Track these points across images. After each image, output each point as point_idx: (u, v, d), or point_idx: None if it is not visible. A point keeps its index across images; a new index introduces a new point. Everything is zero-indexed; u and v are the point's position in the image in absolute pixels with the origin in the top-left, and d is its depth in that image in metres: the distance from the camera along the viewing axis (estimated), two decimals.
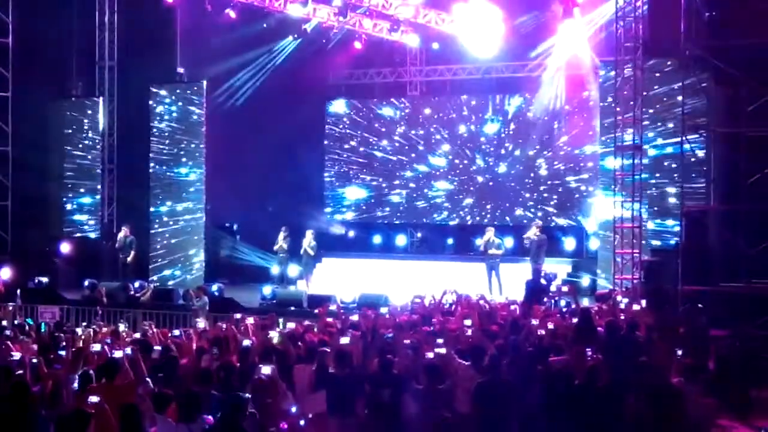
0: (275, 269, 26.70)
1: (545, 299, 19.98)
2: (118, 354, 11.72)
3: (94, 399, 9.46)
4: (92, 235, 29.12)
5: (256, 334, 14.49)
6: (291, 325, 15.25)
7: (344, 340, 12.52)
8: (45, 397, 10.73)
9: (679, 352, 12.56)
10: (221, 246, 29.11)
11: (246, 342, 12.94)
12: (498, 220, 29.00)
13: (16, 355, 12.04)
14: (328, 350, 12.01)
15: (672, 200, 22.42)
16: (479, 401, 10.83)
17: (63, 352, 13.08)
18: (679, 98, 20.69)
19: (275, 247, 26.33)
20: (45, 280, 25.59)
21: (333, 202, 32.52)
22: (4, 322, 18.10)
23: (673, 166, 22.06)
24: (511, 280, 23.38)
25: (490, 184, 30.31)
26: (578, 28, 25.71)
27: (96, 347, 12.86)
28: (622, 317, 15.53)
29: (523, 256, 24.56)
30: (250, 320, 15.18)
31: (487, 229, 25.34)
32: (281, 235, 26.14)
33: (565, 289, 20.42)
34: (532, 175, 29.68)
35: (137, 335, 15.71)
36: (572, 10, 24.32)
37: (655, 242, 22.67)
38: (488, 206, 30.30)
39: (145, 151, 27.62)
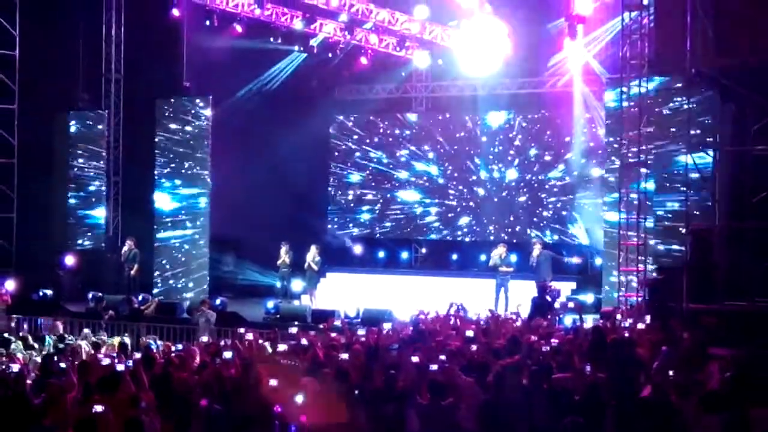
0: (278, 284, 26.69)
1: (549, 315, 19.95)
2: (120, 367, 11.71)
3: (99, 408, 9.44)
4: (97, 248, 29.10)
5: (259, 348, 14.48)
6: (293, 330, 15.23)
7: (344, 356, 12.51)
8: (48, 408, 10.71)
9: (680, 370, 12.53)
10: (225, 260, 29.09)
11: (227, 354, 12.93)
12: (503, 237, 28.90)
13: (15, 368, 12.05)
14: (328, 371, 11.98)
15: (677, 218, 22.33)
16: (484, 420, 10.80)
17: (64, 365, 13.05)
18: (685, 116, 20.70)
19: (278, 262, 26.33)
20: (49, 292, 25.59)
21: (337, 217, 32.50)
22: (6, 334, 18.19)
23: (679, 184, 21.97)
24: (519, 297, 23.25)
25: (495, 200, 30.31)
26: (584, 45, 25.75)
27: (99, 359, 12.87)
28: (626, 335, 15.49)
29: (529, 272, 24.48)
30: (249, 336, 15.13)
31: (499, 245, 25.29)
32: (283, 250, 26.16)
33: (571, 305, 20.38)
34: (535, 191, 29.68)
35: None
36: (576, 29, 24.30)
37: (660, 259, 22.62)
38: (491, 224, 30.28)
39: (150, 164, 27.59)
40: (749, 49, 19.22)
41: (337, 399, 11.16)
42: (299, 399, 10.14)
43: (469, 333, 14.90)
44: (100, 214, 29.17)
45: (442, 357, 12.60)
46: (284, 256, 26.15)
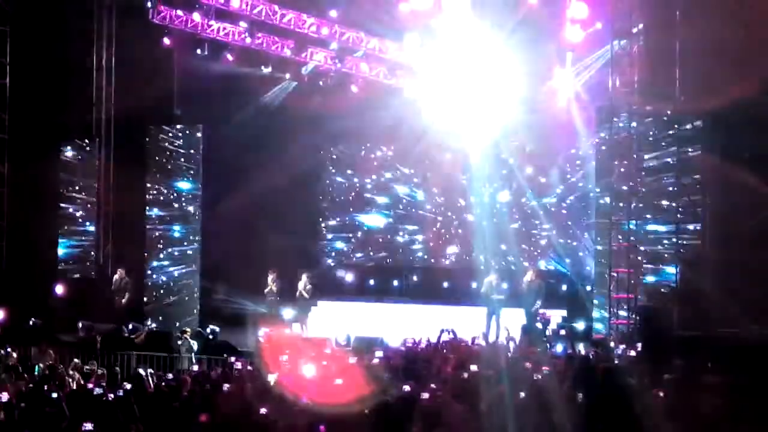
0: (267, 312, 26.57)
1: (539, 343, 19.94)
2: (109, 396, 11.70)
3: (88, 426, 9.47)
4: (87, 277, 29.00)
5: (252, 377, 14.45)
6: (284, 358, 15.26)
7: (338, 381, 12.52)
8: None
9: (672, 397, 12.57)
10: (216, 288, 29.00)
11: (226, 386, 12.95)
12: (493, 265, 28.81)
13: (4, 397, 12.02)
14: None
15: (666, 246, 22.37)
16: None
17: (56, 395, 13.00)
18: (674, 144, 20.78)
19: (265, 290, 26.24)
20: (40, 321, 25.46)
21: (329, 246, 32.46)
22: None
23: (668, 212, 22.04)
24: (510, 325, 23.16)
25: (485, 226, 30.27)
26: (574, 73, 25.85)
27: (89, 389, 12.84)
28: (617, 362, 15.50)
29: (521, 300, 24.42)
30: (237, 364, 15.13)
31: (491, 273, 25.21)
32: (270, 278, 26.07)
33: (563, 333, 20.39)
34: (526, 219, 29.70)
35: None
36: (565, 57, 24.45)
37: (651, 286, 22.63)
38: (481, 253, 30.23)
39: (141, 193, 27.60)
40: (738, 79, 19.32)
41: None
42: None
43: (474, 367, 14.79)
44: (90, 242, 29.09)
45: (434, 385, 12.58)
46: (271, 284, 26.08)
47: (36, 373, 17.51)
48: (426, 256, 31.29)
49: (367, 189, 32.02)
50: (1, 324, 23.72)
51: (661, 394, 13.05)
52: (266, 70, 27.99)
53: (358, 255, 32.16)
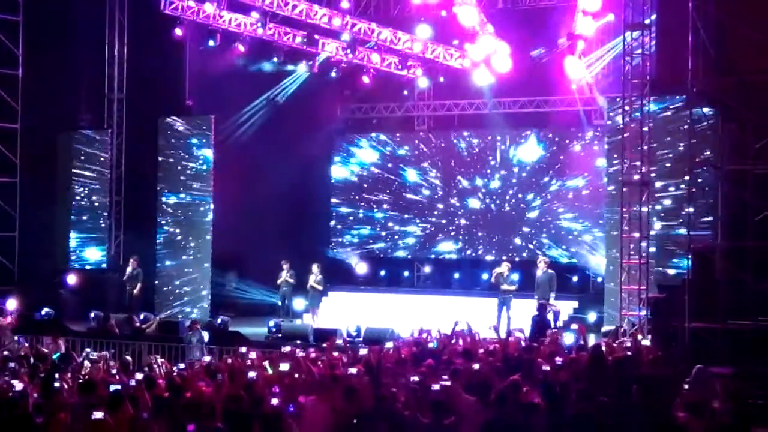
0: (280, 303, 26.66)
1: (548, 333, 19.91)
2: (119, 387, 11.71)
3: (98, 415, 9.52)
4: (99, 267, 29.10)
5: (261, 367, 14.46)
6: (286, 349, 15.24)
7: (352, 370, 12.52)
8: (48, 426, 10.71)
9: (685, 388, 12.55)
10: (227, 279, 29.04)
11: (251, 374, 12.91)
12: (505, 256, 28.76)
13: (18, 386, 12.04)
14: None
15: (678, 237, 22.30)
16: None
17: (57, 384, 13.00)
18: (686, 135, 20.69)
19: (279, 281, 26.30)
20: (51, 311, 25.53)
21: (339, 236, 32.49)
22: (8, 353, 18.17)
23: (681, 202, 21.97)
24: (520, 316, 23.16)
25: (497, 219, 30.28)
26: (584, 64, 25.80)
27: (102, 379, 12.87)
28: (629, 354, 15.47)
29: (532, 291, 24.42)
30: (252, 354, 15.13)
31: (503, 263, 25.19)
32: (284, 268, 26.12)
33: (575, 326, 20.34)
34: (537, 211, 29.67)
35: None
36: (575, 46, 24.44)
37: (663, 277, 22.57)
38: (495, 245, 30.26)
39: (153, 184, 27.64)
40: (750, 69, 19.23)
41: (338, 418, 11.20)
42: None
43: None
44: (102, 233, 29.17)
45: (445, 376, 12.56)
46: (285, 274, 26.13)
47: (48, 363, 17.55)
48: (432, 247, 31.29)
49: (379, 180, 32.04)
50: (16, 314, 23.74)
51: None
52: (278, 61, 27.96)
53: (369, 245, 32.19)
